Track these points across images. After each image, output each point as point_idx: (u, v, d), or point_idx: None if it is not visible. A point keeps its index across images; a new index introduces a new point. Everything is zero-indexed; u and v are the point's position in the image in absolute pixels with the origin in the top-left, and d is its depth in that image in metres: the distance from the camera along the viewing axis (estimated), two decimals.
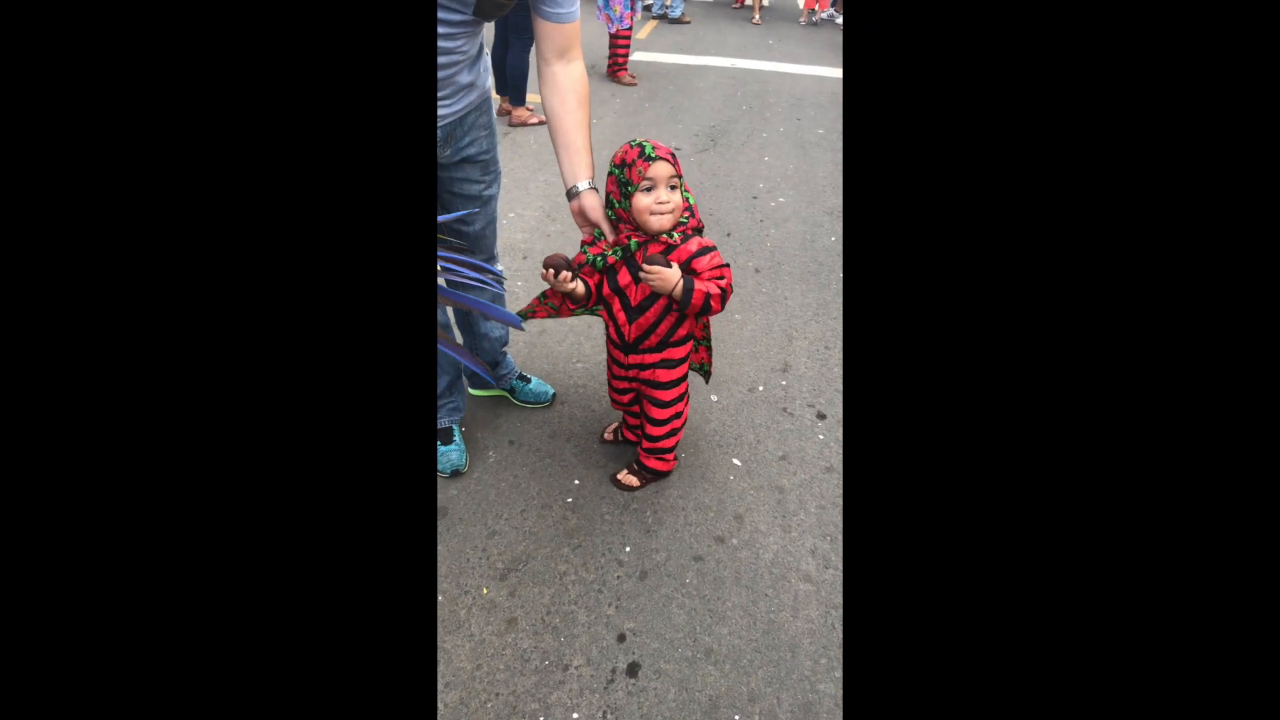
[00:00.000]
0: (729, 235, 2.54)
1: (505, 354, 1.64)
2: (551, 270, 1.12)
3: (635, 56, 4.59)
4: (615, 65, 4.11)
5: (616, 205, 1.17)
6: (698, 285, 1.17)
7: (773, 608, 1.27)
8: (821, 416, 1.73)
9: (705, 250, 1.20)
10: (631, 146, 1.13)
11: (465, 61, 1.11)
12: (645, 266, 1.13)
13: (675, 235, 1.17)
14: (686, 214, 1.19)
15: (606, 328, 1.32)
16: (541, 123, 3.30)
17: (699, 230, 1.22)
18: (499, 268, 1.50)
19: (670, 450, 1.44)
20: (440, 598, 1.25)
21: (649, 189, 1.12)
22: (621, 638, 1.20)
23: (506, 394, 1.70)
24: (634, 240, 1.17)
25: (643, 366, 1.32)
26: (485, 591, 1.26)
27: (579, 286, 1.18)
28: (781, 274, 2.32)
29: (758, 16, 5.91)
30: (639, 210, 1.13)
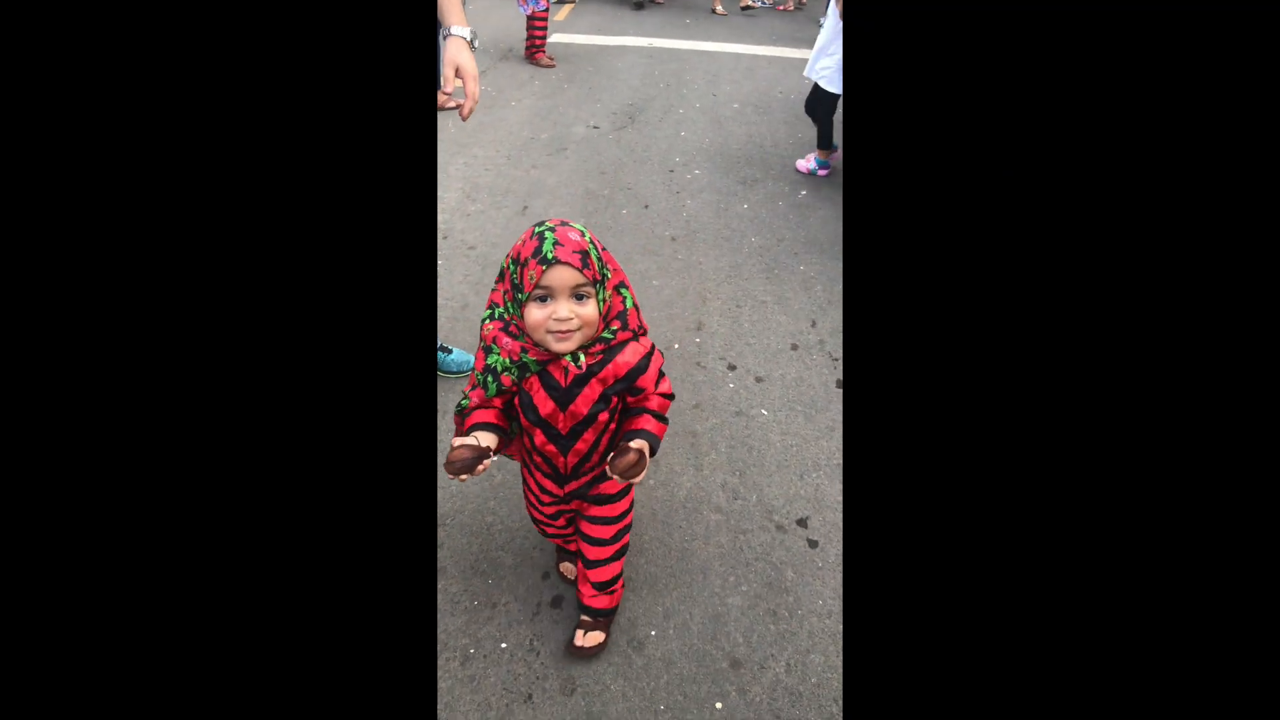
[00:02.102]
0: (647, 207, 2.63)
1: None
2: (464, 476, 0.85)
3: (554, 38, 4.60)
4: (533, 47, 4.12)
5: (510, 308, 0.88)
6: (654, 427, 0.95)
7: (686, 537, 1.38)
8: (732, 368, 1.85)
9: (646, 358, 0.93)
10: (532, 237, 0.83)
11: None
12: (618, 478, 0.89)
13: (581, 360, 0.88)
14: (616, 325, 0.90)
15: (526, 453, 1.03)
16: (458, 106, 3.30)
17: (635, 338, 0.93)
18: None
19: (619, 578, 1.14)
20: None
21: (542, 299, 0.84)
22: (546, 575, 1.29)
23: None
24: (532, 359, 0.88)
25: (585, 489, 1.04)
26: None
27: (493, 448, 0.90)
28: (696, 241, 2.43)
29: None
30: (531, 326, 0.85)
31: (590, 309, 0.85)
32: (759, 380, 1.81)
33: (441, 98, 3.41)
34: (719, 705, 1.11)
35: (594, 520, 1.07)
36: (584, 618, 1.17)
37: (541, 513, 1.11)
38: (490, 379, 0.90)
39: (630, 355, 0.92)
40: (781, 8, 6.13)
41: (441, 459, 1.51)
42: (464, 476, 0.85)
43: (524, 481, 1.11)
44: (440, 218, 2.47)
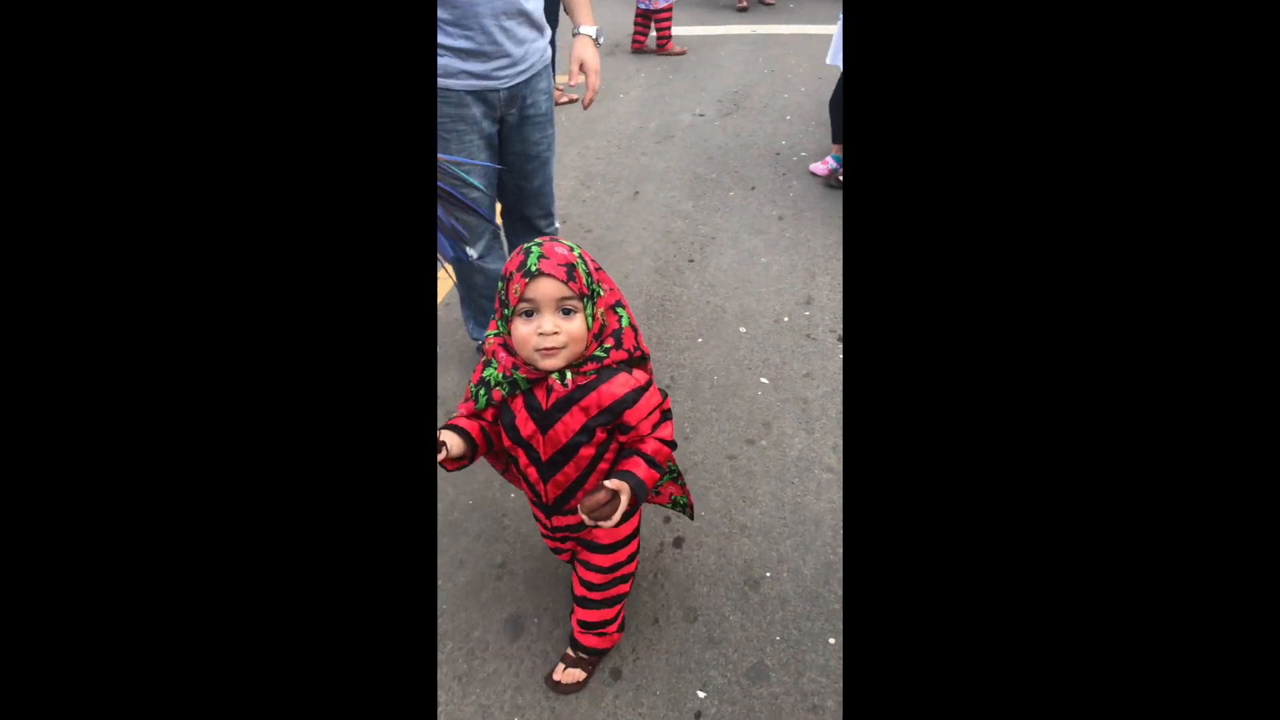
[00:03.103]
0: (754, 189, 2.69)
1: None
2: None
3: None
4: (662, 39, 4.33)
5: (501, 327, 0.88)
6: (643, 472, 0.89)
7: (799, 493, 1.45)
8: (842, 340, 1.88)
9: (637, 392, 0.88)
10: (520, 252, 0.83)
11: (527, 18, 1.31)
12: (585, 517, 0.86)
13: (569, 378, 0.86)
14: (610, 343, 0.87)
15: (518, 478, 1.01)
16: (572, 101, 3.50)
17: (632, 362, 0.89)
18: (557, 226, 1.70)
19: (613, 623, 1.11)
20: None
21: (529, 314, 0.82)
22: (667, 519, 1.41)
23: None
24: (522, 376, 0.87)
25: (574, 529, 1.01)
26: None
27: (453, 449, 0.88)
28: (804, 220, 2.46)
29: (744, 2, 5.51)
30: (518, 342, 0.83)
31: (577, 324, 0.83)
32: None
33: (555, 94, 3.62)
34: (832, 640, 1.18)
35: (587, 566, 1.05)
36: (568, 651, 1.14)
37: (545, 535, 1.09)
38: (482, 391, 0.89)
39: (619, 386, 0.87)
40: None
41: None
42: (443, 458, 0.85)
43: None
44: (558, 204, 2.66)
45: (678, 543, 1.36)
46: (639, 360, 0.91)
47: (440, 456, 0.86)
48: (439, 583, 1.30)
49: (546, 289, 0.81)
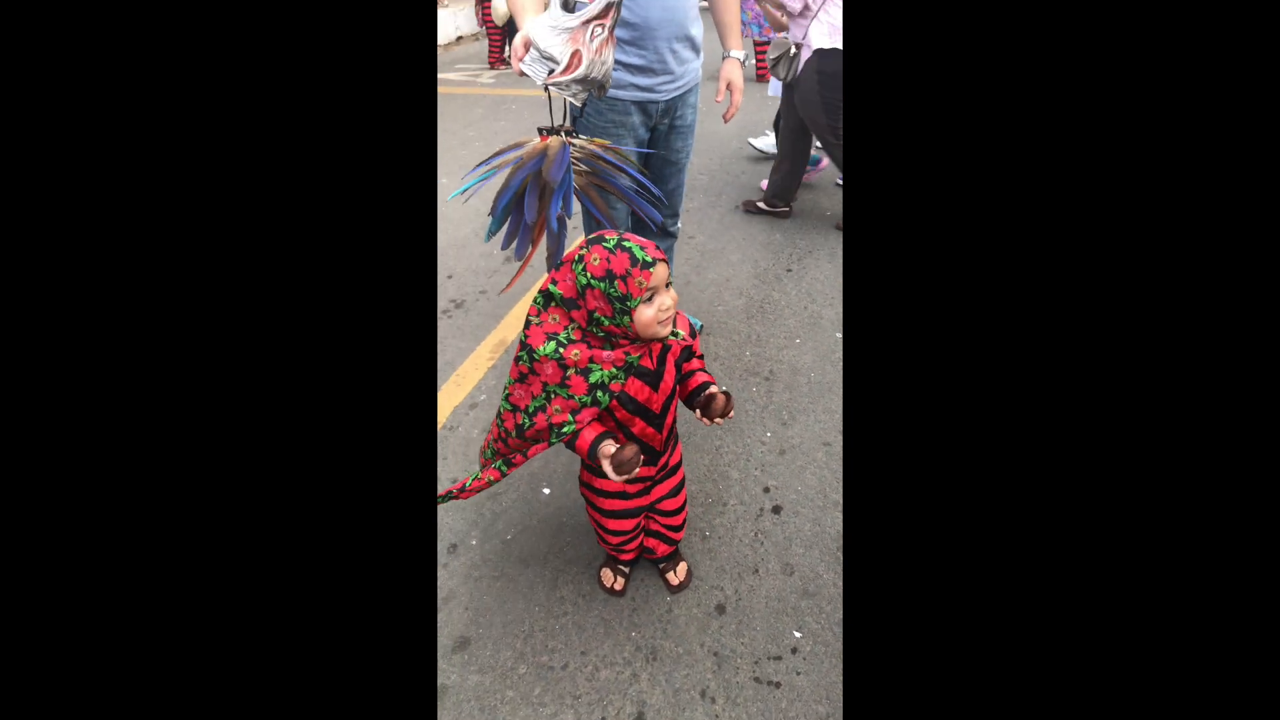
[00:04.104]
0: None
1: None
2: (636, 472, 1.00)
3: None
4: (761, 68, 4.63)
5: (606, 322, 0.97)
6: (711, 377, 1.12)
7: None
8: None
9: (690, 326, 1.10)
10: (617, 251, 0.93)
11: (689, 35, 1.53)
12: (718, 420, 1.06)
13: (681, 334, 1.05)
14: None
15: (614, 458, 1.04)
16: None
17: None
18: (680, 226, 1.91)
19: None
20: None
21: (651, 298, 0.96)
22: (766, 489, 1.57)
23: None
24: (631, 354, 1.01)
25: (667, 460, 1.22)
26: None
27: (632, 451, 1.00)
28: None
29: None
30: (645, 324, 0.96)
31: (673, 291, 1.00)
32: None
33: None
34: None
35: (668, 513, 1.26)
36: (667, 563, 1.36)
37: (626, 516, 1.22)
38: (600, 394, 1.00)
39: (680, 325, 1.05)
40: None
41: (446, 439, 1.79)
42: (636, 472, 0.99)
43: (602, 506, 1.22)
44: None
45: (776, 509, 1.52)
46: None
47: (638, 458, 0.99)
48: (565, 520, 1.50)
49: (662, 272, 0.95)
